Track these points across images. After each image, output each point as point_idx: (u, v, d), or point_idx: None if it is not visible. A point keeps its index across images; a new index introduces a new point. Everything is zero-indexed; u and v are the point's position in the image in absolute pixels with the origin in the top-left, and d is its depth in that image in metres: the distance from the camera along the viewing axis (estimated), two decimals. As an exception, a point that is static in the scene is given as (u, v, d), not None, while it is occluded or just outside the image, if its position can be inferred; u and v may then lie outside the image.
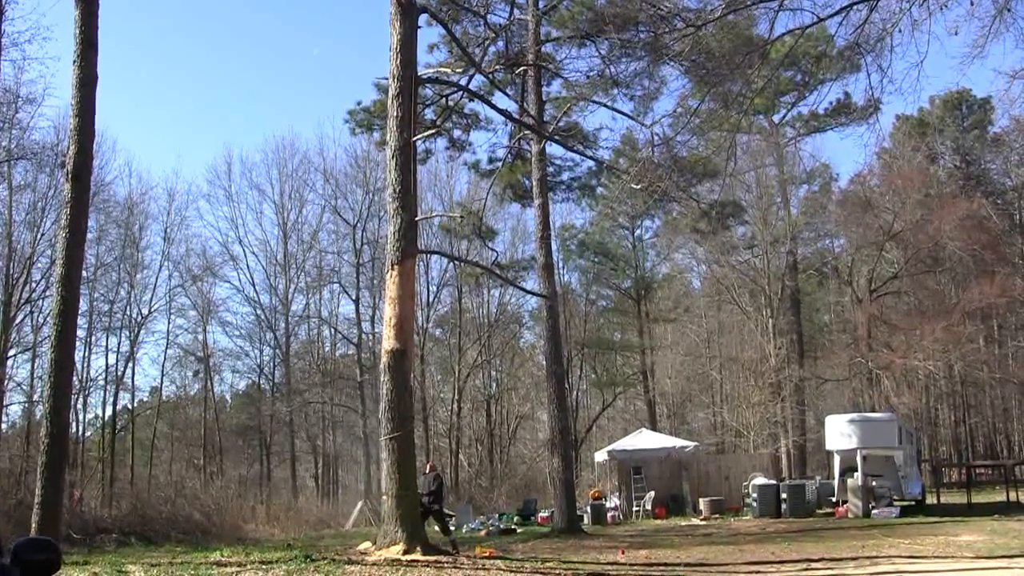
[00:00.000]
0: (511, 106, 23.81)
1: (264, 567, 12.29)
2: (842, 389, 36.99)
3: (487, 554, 14.57)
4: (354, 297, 38.28)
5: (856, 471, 23.28)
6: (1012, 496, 24.82)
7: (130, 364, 35.18)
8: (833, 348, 37.83)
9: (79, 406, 31.72)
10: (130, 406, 37.66)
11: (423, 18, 17.28)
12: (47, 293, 27.31)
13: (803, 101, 35.38)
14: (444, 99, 21.98)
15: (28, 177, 29.73)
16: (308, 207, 41.62)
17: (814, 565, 12.67)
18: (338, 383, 38.78)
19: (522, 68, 22.11)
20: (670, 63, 17.37)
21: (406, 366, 14.74)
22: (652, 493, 26.41)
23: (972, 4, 11.64)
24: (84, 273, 19.24)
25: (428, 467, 16.83)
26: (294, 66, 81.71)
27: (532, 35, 22.62)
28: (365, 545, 15.24)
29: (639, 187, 18.97)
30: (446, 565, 12.60)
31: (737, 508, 25.53)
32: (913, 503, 23.65)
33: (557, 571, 12.79)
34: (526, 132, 22.61)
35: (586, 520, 23.68)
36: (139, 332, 34.88)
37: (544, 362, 25.63)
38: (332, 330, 41.84)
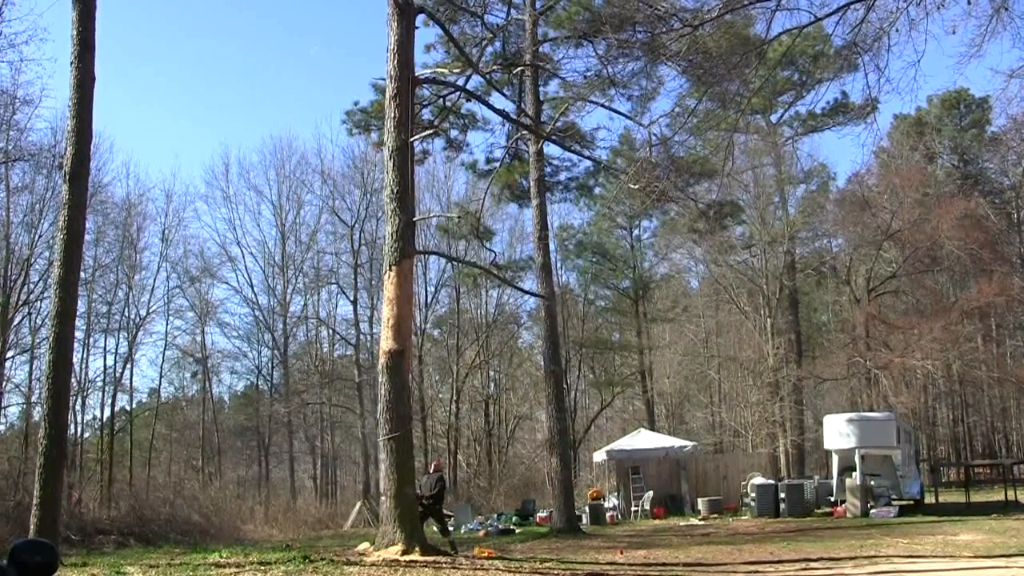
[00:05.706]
0: (509, 106, 23.80)
1: (262, 568, 12.26)
2: (840, 388, 36.98)
3: (486, 554, 14.56)
4: (352, 298, 38.32)
5: (854, 471, 23.32)
6: (1010, 495, 24.84)
7: (128, 365, 35.18)
8: (831, 347, 37.84)
9: (77, 408, 31.73)
10: (128, 407, 37.67)
11: (420, 18, 17.26)
12: (45, 295, 27.25)
13: (801, 100, 35.55)
14: (441, 99, 21.99)
15: (26, 179, 29.70)
16: (306, 208, 41.73)
17: (812, 565, 12.66)
18: (336, 384, 38.77)
19: (519, 68, 22.11)
20: (667, 63, 17.33)
21: (404, 367, 14.73)
22: (650, 493, 26.42)
23: (969, 3, 11.63)
24: (82, 275, 19.15)
25: (433, 466, 16.73)
26: (292, 67, 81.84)
27: (529, 35, 22.62)
28: (364, 546, 15.24)
29: (637, 187, 18.94)
30: (445, 566, 12.58)
31: (735, 508, 25.55)
32: (911, 502, 23.64)
33: (556, 571, 12.78)
34: (524, 132, 22.61)
35: (584, 520, 23.67)
36: (137, 333, 34.85)
37: (542, 362, 25.63)
38: (330, 331, 41.85)
